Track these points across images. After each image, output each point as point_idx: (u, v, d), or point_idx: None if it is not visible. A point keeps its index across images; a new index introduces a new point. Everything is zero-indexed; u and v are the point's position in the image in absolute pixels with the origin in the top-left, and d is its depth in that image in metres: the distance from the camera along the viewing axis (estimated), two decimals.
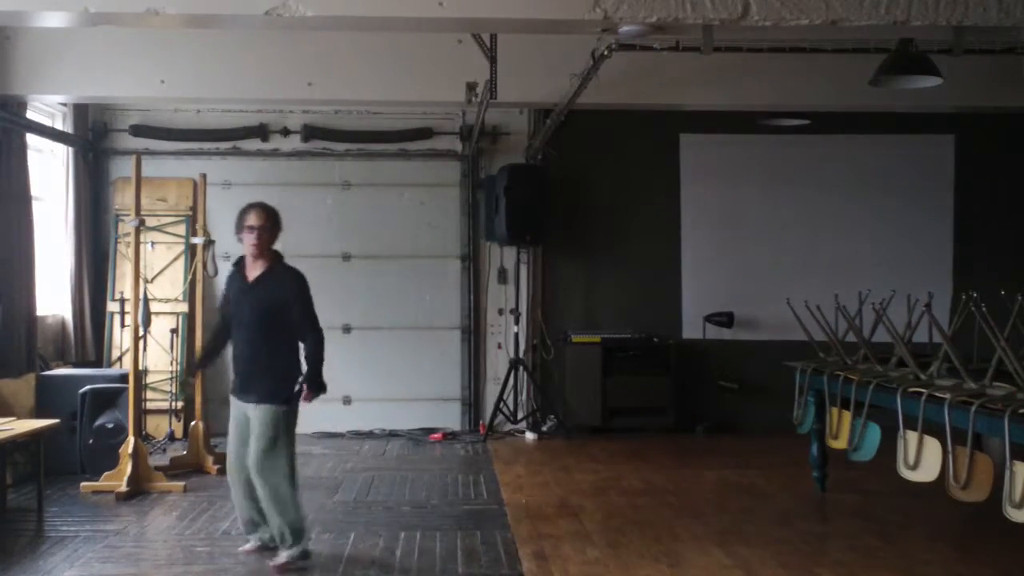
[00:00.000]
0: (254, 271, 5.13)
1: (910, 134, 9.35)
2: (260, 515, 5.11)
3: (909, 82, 6.55)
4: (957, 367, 4.90)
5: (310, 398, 5.09)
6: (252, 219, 5.08)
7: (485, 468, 7.64)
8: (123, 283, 8.49)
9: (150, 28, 6.87)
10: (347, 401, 9.23)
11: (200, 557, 5.18)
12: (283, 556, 4.98)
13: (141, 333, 7.13)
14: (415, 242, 9.31)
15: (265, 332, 5.04)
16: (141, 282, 7.11)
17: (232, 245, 8.83)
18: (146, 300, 7.27)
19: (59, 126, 8.54)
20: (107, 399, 7.19)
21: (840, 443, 5.91)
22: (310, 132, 9.24)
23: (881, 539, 5.55)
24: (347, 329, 9.27)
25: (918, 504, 6.12)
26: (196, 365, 5.58)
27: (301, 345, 5.18)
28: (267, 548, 5.13)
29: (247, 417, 5.05)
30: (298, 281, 5.13)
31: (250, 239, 5.07)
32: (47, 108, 8.39)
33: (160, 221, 8.91)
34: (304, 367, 5.15)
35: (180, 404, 8.04)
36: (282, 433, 5.00)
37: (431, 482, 7.10)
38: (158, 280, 8.71)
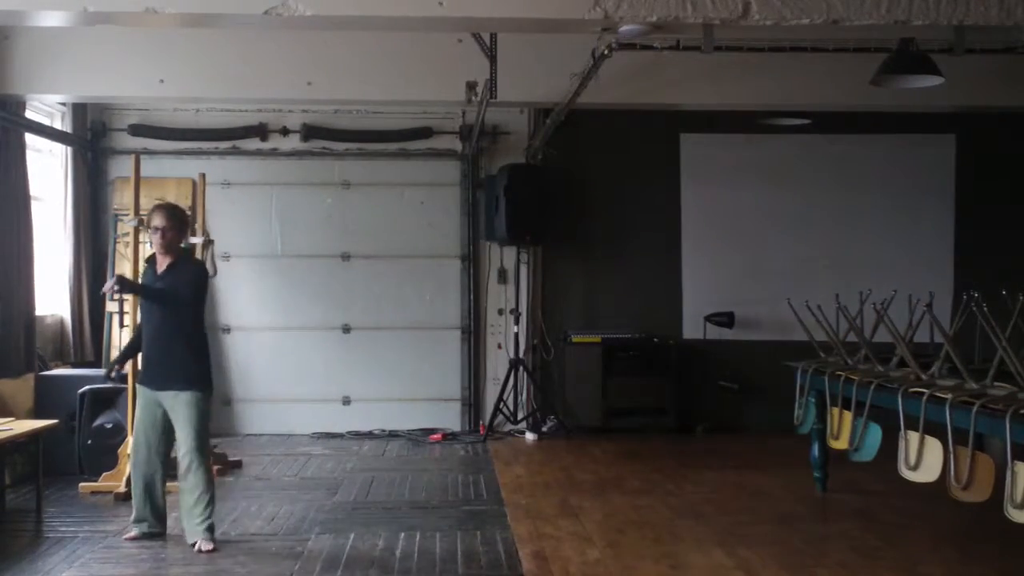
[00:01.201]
0: (162, 266, 5.47)
1: (911, 134, 9.34)
2: (158, 507, 5.51)
3: (910, 82, 6.54)
4: (958, 367, 4.89)
5: (110, 286, 5.43)
6: (156, 220, 5.42)
7: (485, 468, 7.63)
8: None
9: (149, 27, 6.86)
10: (347, 401, 9.23)
11: (199, 558, 5.17)
12: (209, 541, 5.29)
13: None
14: (415, 242, 9.30)
15: (174, 322, 5.37)
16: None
17: (231, 245, 8.91)
18: None
19: (58, 126, 8.53)
20: (106, 399, 7.17)
21: (841, 443, 5.90)
22: (309, 131, 9.22)
23: (882, 540, 5.54)
24: (347, 329, 9.26)
25: (919, 505, 6.11)
26: (119, 359, 5.93)
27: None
28: (148, 536, 5.47)
29: (160, 406, 5.38)
30: (195, 273, 5.53)
31: (155, 238, 5.42)
32: (46, 108, 8.37)
33: None
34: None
35: None
36: (208, 416, 5.43)
37: (431, 482, 7.09)
38: None
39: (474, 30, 6.92)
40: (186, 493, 5.35)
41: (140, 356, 5.61)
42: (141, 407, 5.50)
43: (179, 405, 5.33)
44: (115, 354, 8.65)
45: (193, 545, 5.29)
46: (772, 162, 9.51)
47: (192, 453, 5.30)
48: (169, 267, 5.45)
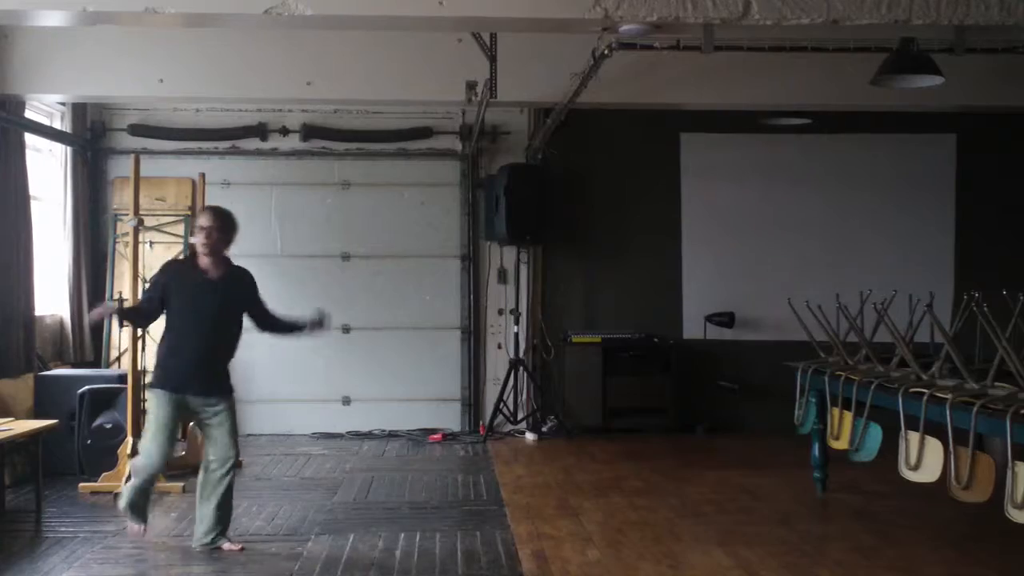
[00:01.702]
0: (216, 270, 5.34)
1: (911, 133, 9.33)
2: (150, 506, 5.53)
3: (910, 81, 6.53)
4: (959, 367, 4.89)
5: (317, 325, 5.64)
6: (202, 220, 5.38)
7: (485, 469, 7.63)
8: (121, 283, 8.47)
9: (149, 27, 6.85)
10: (347, 401, 9.22)
11: (198, 558, 5.17)
12: (233, 541, 5.31)
13: (139, 333, 7.10)
14: (415, 242, 9.29)
15: (227, 329, 5.37)
16: (140, 282, 7.08)
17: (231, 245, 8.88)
18: None
19: (57, 125, 8.52)
20: (105, 399, 7.17)
21: (841, 444, 5.90)
22: (309, 131, 9.22)
23: (882, 540, 5.54)
24: (347, 329, 9.25)
25: (919, 505, 6.11)
26: (125, 313, 5.79)
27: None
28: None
29: (180, 412, 5.30)
30: (253, 280, 5.55)
31: (199, 237, 5.34)
32: (45, 107, 8.37)
33: (159, 221, 8.90)
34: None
35: None
36: None
37: (431, 483, 7.09)
38: None
39: (474, 30, 6.92)
40: (217, 496, 5.24)
41: (173, 363, 5.24)
42: (167, 414, 5.22)
43: (223, 413, 5.28)
44: (115, 353, 8.68)
45: (214, 548, 5.24)
46: (772, 162, 9.51)
47: (234, 459, 5.29)
48: (226, 274, 5.33)
